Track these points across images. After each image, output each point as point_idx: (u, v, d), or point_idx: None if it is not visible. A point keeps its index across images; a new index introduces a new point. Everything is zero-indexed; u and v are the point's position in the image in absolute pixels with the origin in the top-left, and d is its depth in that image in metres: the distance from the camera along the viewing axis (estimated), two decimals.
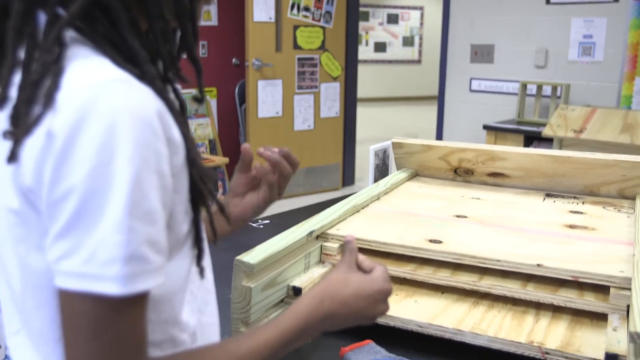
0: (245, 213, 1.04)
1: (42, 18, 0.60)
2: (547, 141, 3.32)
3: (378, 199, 1.45)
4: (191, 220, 0.66)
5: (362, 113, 7.14)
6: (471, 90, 4.54)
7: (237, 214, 1.02)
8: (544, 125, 3.46)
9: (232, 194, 1.06)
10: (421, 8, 12.92)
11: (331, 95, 5.23)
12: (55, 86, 0.56)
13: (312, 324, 0.73)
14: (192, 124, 4.75)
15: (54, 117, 0.54)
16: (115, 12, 0.60)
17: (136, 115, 0.55)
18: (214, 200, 0.70)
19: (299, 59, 4.99)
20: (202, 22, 4.87)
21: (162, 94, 0.61)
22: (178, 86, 0.70)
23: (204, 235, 0.70)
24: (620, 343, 0.87)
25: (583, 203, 1.44)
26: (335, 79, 5.23)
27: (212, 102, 5.01)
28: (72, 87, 0.55)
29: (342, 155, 5.43)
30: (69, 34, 0.59)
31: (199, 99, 0.74)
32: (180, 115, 0.64)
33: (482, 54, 4.44)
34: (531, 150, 1.54)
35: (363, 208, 1.37)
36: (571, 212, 1.37)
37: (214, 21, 4.94)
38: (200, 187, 0.65)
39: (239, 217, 1.03)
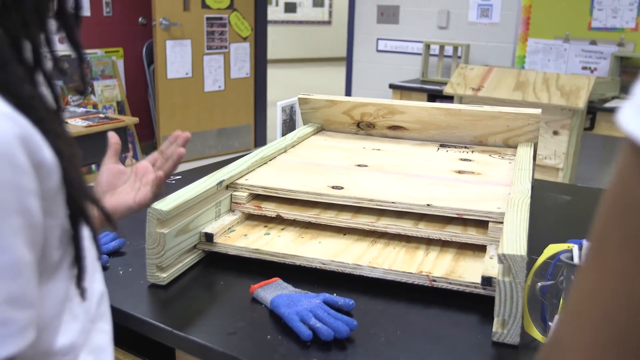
0: (115, 214, 0.95)
1: None
2: (449, 99, 3.50)
3: (285, 151, 1.52)
4: (70, 238, 0.59)
5: (273, 74, 7.16)
6: (378, 51, 4.67)
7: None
8: (446, 83, 3.63)
9: (99, 189, 0.98)
10: None
11: (241, 56, 5.22)
12: None
13: None
14: (99, 85, 4.63)
15: None
16: None
17: None
18: (101, 210, 0.62)
19: (208, 19, 4.94)
20: None
21: (31, 102, 0.53)
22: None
23: (86, 254, 0.61)
24: (494, 268, 0.99)
25: (472, 152, 1.58)
26: (245, 39, 5.21)
27: (119, 62, 4.88)
28: None
29: (253, 116, 5.46)
30: None
31: (81, 91, 0.67)
32: (55, 119, 0.57)
33: (388, 14, 4.56)
34: (427, 104, 1.66)
35: (271, 160, 1.44)
36: (461, 159, 1.50)
37: None
38: (82, 205, 0.58)
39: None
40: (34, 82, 0.56)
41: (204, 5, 4.90)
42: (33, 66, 0.56)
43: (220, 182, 1.20)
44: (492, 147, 1.63)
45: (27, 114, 0.52)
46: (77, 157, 0.59)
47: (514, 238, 0.94)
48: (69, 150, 0.56)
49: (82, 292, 0.61)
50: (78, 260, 0.60)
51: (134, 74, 5.04)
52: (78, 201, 0.58)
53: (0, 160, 0.48)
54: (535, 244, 1.06)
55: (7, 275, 0.49)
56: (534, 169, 1.53)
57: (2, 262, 0.48)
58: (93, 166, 4.06)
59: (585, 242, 0.91)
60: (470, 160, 1.49)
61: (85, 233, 0.61)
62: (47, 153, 0.53)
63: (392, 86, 4.06)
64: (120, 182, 1.02)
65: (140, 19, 4.98)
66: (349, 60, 4.85)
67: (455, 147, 1.63)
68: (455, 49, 4.12)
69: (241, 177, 1.28)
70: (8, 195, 0.48)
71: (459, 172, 1.39)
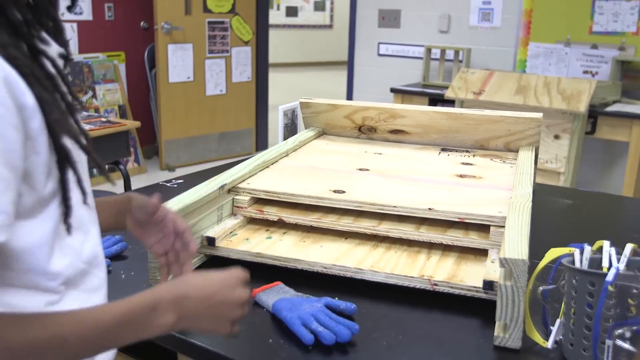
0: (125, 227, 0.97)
1: None
2: (450, 103, 3.50)
3: (287, 155, 1.53)
4: (57, 180, 0.69)
5: (275, 78, 7.16)
6: (379, 55, 4.67)
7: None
8: (447, 87, 3.63)
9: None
10: None
11: (243, 60, 5.23)
12: None
13: (164, 303, 0.71)
14: (100, 89, 4.64)
15: None
16: None
17: None
18: (90, 156, 0.72)
19: (210, 23, 4.95)
20: None
21: (14, 61, 0.63)
22: (53, 48, 0.72)
23: (72, 195, 0.71)
24: (496, 272, 0.99)
25: (474, 156, 1.58)
26: (246, 43, 5.22)
27: (121, 66, 4.89)
28: None
29: (254, 120, 5.46)
30: None
31: (66, 57, 0.75)
32: (46, 78, 0.67)
33: (389, 18, 4.57)
34: (428, 108, 1.66)
35: (273, 164, 1.45)
36: (462, 163, 1.50)
37: None
38: (65, 148, 0.67)
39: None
40: (20, 39, 0.66)
41: (206, 9, 4.91)
42: (24, 36, 0.67)
43: (222, 186, 1.20)
44: (493, 151, 1.63)
45: (13, 64, 0.63)
46: (59, 102, 0.68)
47: (515, 242, 0.94)
48: (49, 95, 0.66)
49: (68, 228, 0.71)
50: (65, 200, 0.70)
51: (136, 78, 5.04)
52: (61, 145, 0.67)
53: None
54: (536, 248, 1.06)
55: None
56: (535, 173, 1.53)
57: None
58: (94, 170, 4.06)
59: (587, 246, 0.91)
60: (471, 164, 1.49)
61: (88, 188, 0.74)
62: (29, 97, 0.63)
63: (393, 90, 4.06)
64: (150, 225, 0.95)
65: (142, 23, 4.99)
66: (350, 64, 4.85)
67: (456, 151, 1.63)
68: (457, 53, 4.13)
69: (243, 181, 1.29)
70: None
71: (461, 176, 1.39)
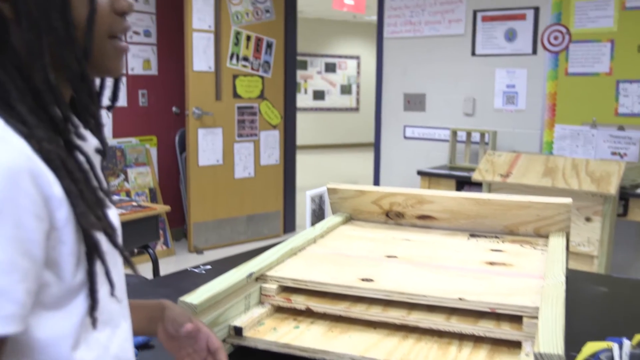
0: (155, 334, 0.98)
1: None
2: (477, 185, 3.50)
3: (314, 241, 1.53)
4: (85, 271, 0.69)
5: (302, 160, 7.27)
6: (405, 137, 4.73)
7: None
8: (474, 170, 3.64)
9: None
10: (357, 57, 13.35)
11: (271, 143, 5.33)
12: None
13: None
14: (132, 172, 4.75)
15: None
16: (5, 84, 0.66)
17: None
18: (118, 249, 0.74)
19: (239, 108, 5.09)
20: (142, 71, 4.93)
21: (46, 154, 0.65)
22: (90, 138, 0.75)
23: (100, 287, 0.71)
24: None
25: (503, 242, 1.56)
26: (274, 127, 5.34)
27: (152, 150, 5.03)
28: None
29: (282, 203, 5.51)
30: None
31: (102, 152, 0.78)
32: (77, 172, 0.68)
33: (414, 102, 4.65)
34: (456, 193, 1.66)
35: (300, 251, 1.44)
36: (492, 250, 1.48)
37: (153, 70, 5.01)
38: (93, 240, 0.68)
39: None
40: (57, 132, 0.69)
41: (236, 95, 5.07)
42: (61, 131, 0.69)
43: (250, 275, 1.20)
44: (523, 236, 1.61)
45: (44, 157, 0.65)
46: (88, 196, 0.69)
47: (550, 335, 0.91)
48: (77, 188, 0.67)
49: (94, 322, 0.70)
50: (91, 293, 0.69)
51: (167, 161, 5.16)
52: (89, 236, 0.68)
53: (6, 183, 0.60)
54: (572, 341, 1.02)
55: None
56: (567, 259, 1.50)
57: None
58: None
59: (625, 341, 0.88)
60: (501, 251, 1.47)
61: (120, 281, 0.74)
62: (56, 189, 0.65)
63: (420, 173, 4.09)
64: (182, 338, 0.96)
65: (173, 109, 5.16)
66: (376, 147, 4.91)
67: (485, 236, 1.61)
68: (482, 135, 4.16)
69: (271, 268, 1.28)
70: (6, 209, 0.59)
71: (490, 263, 1.37)
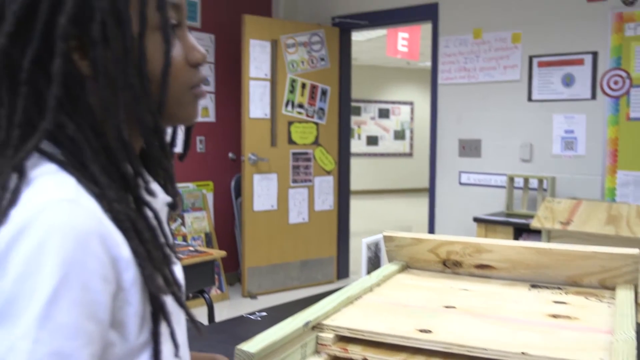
0: None
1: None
2: (536, 233, 3.41)
3: (371, 290, 1.51)
4: (150, 331, 0.69)
5: (356, 205, 7.27)
6: (460, 183, 4.68)
7: None
8: (532, 217, 3.55)
9: None
10: (411, 103, 13.39)
11: (325, 189, 5.36)
12: (11, 203, 0.62)
13: None
14: (189, 217, 4.84)
15: (2, 229, 0.61)
16: (79, 143, 0.67)
17: (69, 234, 0.60)
18: (184, 309, 0.74)
19: (294, 154, 5.16)
20: (201, 119, 5.07)
21: (116, 215, 0.66)
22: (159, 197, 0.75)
23: (164, 347, 0.71)
24: None
25: (566, 293, 1.51)
26: (328, 172, 5.37)
27: (209, 195, 5.12)
28: (25, 203, 0.62)
29: (336, 248, 5.49)
30: (46, 148, 0.67)
31: (173, 206, 0.79)
32: (146, 230, 0.69)
33: (469, 148, 4.61)
34: (515, 242, 1.62)
35: (357, 299, 1.43)
36: (555, 302, 1.43)
37: (211, 117, 5.14)
38: (159, 301, 0.68)
39: None
40: (128, 198, 0.70)
41: (291, 141, 5.14)
42: (131, 188, 0.71)
43: (307, 323, 1.19)
44: (587, 288, 1.55)
45: (114, 218, 0.66)
46: (155, 255, 0.69)
47: None
48: (145, 249, 0.67)
49: None
50: (155, 354, 0.69)
51: (222, 206, 5.25)
52: (155, 297, 0.68)
53: (75, 243, 0.60)
54: None
55: (59, 333, 0.58)
56: (637, 313, 1.44)
57: (58, 322, 0.58)
58: None
59: None
60: (565, 303, 1.42)
61: (184, 340, 0.75)
62: (124, 250, 0.65)
63: (476, 219, 4.02)
64: None
65: (230, 155, 5.27)
66: (431, 193, 4.87)
67: (547, 287, 1.56)
68: (541, 181, 4.08)
69: (327, 317, 1.27)
70: (75, 272, 0.60)
71: (554, 316, 1.32)
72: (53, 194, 0.63)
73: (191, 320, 0.75)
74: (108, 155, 0.69)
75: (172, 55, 0.72)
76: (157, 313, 0.69)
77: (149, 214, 0.72)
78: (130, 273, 0.66)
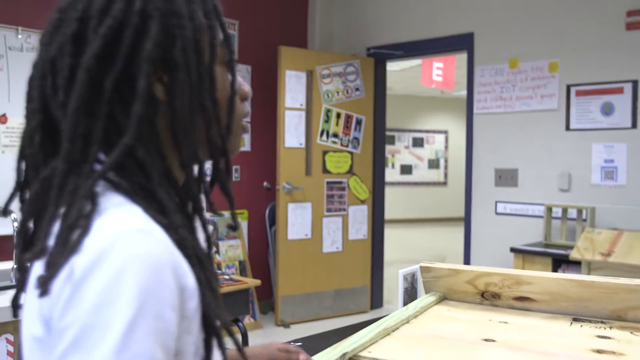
0: None
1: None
2: (575, 264, 3.34)
3: (408, 322, 1.49)
4: (202, 358, 0.70)
5: (390, 234, 7.21)
6: (497, 213, 4.61)
7: None
8: (571, 247, 3.48)
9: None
10: (445, 132, 13.34)
11: (359, 218, 5.34)
12: (84, 233, 0.64)
13: None
14: (224, 245, 4.87)
15: (77, 257, 0.62)
16: (148, 167, 0.69)
17: (146, 264, 0.62)
18: (231, 337, 0.75)
19: (328, 183, 5.17)
20: None
21: (183, 242, 0.68)
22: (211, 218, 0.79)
23: None
24: None
25: (610, 328, 1.46)
26: (363, 201, 5.36)
27: (243, 224, 5.15)
28: (99, 233, 0.63)
29: (370, 278, 5.45)
30: (112, 177, 0.69)
31: (233, 227, 0.85)
32: (205, 256, 0.71)
33: (506, 177, 4.56)
34: (556, 275, 1.59)
35: (394, 331, 1.41)
36: (598, 336, 1.39)
37: (247, 147, 5.20)
38: (216, 329, 0.69)
39: None
40: (192, 226, 0.74)
41: (325, 170, 5.15)
42: (193, 212, 0.75)
43: (344, 355, 1.18)
44: (632, 322, 1.50)
45: (181, 245, 0.68)
46: (215, 283, 0.72)
47: None
48: (205, 277, 0.69)
49: None
50: None
51: (257, 235, 5.27)
52: (212, 323, 0.69)
53: (151, 273, 0.62)
54: None
55: None
56: None
57: (134, 351, 0.59)
58: None
59: None
60: (609, 338, 1.38)
61: None
62: (190, 279, 0.67)
63: (513, 250, 3.95)
64: None
65: (265, 184, 5.30)
66: (467, 223, 4.81)
67: (590, 321, 1.52)
68: (580, 211, 4.00)
69: (364, 349, 1.26)
70: (151, 301, 0.61)
71: (598, 351, 1.29)
72: (127, 224, 0.65)
73: (238, 349, 0.76)
74: (169, 179, 0.72)
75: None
76: (210, 341, 0.69)
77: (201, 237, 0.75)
78: (194, 302, 0.67)
